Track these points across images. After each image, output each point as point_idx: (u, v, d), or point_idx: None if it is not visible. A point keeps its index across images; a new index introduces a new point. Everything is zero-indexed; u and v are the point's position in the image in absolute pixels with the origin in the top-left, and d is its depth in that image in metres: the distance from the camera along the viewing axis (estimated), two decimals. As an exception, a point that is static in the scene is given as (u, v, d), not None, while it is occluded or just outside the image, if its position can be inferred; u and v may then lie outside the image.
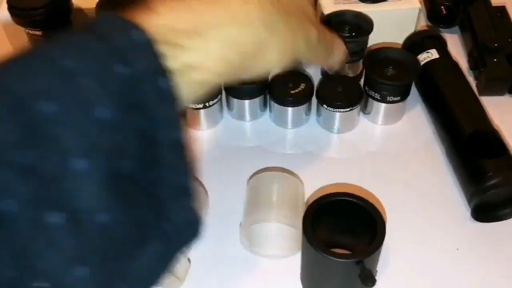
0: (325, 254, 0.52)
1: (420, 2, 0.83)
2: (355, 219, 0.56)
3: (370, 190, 0.68)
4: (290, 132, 0.77)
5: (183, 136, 0.38)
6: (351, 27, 0.77)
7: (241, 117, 0.78)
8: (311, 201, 0.57)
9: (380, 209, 0.55)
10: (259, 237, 0.63)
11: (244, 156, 0.74)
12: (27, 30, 0.77)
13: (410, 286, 0.61)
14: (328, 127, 0.76)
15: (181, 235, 0.40)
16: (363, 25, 0.77)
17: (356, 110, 0.74)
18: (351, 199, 0.55)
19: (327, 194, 0.56)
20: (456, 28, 0.89)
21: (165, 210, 0.38)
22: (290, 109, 0.75)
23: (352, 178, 0.70)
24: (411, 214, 0.67)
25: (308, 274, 0.59)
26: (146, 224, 0.37)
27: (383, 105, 0.75)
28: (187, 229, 0.40)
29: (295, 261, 0.61)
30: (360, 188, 0.69)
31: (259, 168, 0.71)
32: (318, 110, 0.76)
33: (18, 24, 0.76)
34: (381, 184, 0.69)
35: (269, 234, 0.64)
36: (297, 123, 0.77)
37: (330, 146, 0.76)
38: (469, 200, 0.66)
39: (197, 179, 0.68)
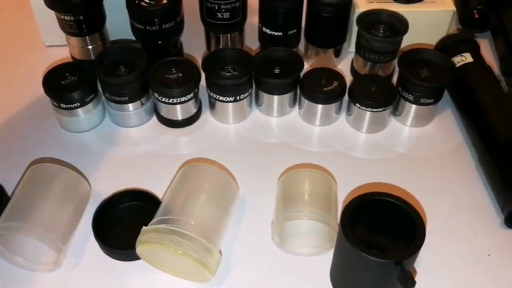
0: (363, 253, 0.51)
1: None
2: (391, 220, 0.55)
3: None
4: (318, 130, 0.76)
5: None
6: (386, 26, 0.76)
7: (269, 112, 0.78)
8: (346, 200, 0.56)
9: (419, 211, 0.54)
10: (290, 235, 0.62)
11: (272, 152, 0.73)
12: (58, 14, 0.75)
13: (440, 290, 0.60)
14: (358, 126, 0.75)
15: None
16: (398, 25, 0.77)
17: (388, 110, 0.73)
18: (391, 200, 0.54)
19: (368, 193, 0.55)
20: (488, 33, 0.88)
21: None
22: (320, 106, 0.74)
23: (380, 179, 0.70)
24: (441, 219, 0.66)
25: (341, 273, 0.58)
26: None
27: (415, 106, 0.74)
28: None
29: (326, 259, 0.60)
30: (400, 188, 0.68)
31: (287, 165, 0.71)
32: (349, 109, 0.75)
33: (50, 8, 0.75)
34: (410, 187, 0.68)
35: (301, 232, 0.63)
36: (326, 121, 0.76)
37: (359, 146, 0.75)
38: (502, 207, 0.65)
39: (228, 172, 0.68)
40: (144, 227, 0.57)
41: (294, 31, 0.79)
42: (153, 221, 0.58)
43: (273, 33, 0.79)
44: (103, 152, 0.73)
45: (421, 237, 0.52)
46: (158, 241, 0.55)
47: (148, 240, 0.55)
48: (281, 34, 0.79)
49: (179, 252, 0.54)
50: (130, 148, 0.74)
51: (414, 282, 0.50)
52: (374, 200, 0.55)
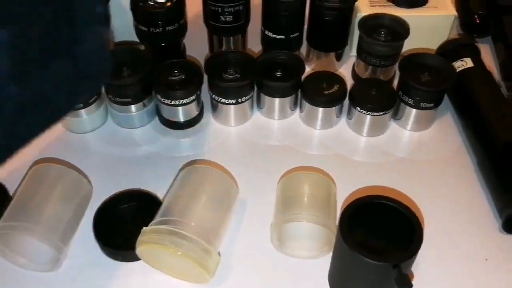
0: (361, 256, 0.51)
1: (455, 10, 0.83)
2: (389, 223, 0.56)
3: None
4: (318, 133, 0.77)
5: None
6: (387, 30, 0.77)
7: (270, 115, 0.78)
8: (345, 203, 0.57)
9: (417, 214, 0.54)
10: (289, 238, 0.63)
11: (273, 155, 0.74)
12: None
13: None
14: (358, 130, 0.76)
15: (90, 60, 0.45)
16: (399, 29, 0.77)
17: (389, 114, 0.74)
18: (389, 203, 0.55)
19: (366, 196, 0.56)
20: (489, 38, 0.88)
21: (79, 34, 0.43)
22: (321, 109, 0.74)
23: (380, 182, 0.70)
24: (439, 222, 0.66)
25: (339, 275, 0.58)
26: (60, 40, 0.42)
27: (415, 111, 0.74)
28: (96, 55, 0.45)
29: (324, 262, 0.61)
30: (398, 191, 0.69)
31: (287, 167, 0.71)
32: (349, 113, 0.76)
33: None
34: (409, 190, 0.69)
35: (300, 234, 0.64)
36: (327, 124, 0.77)
37: (359, 149, 0.75)
38: (500, 212, 0.65)
39: (229, 174, 0.68)
40: (144, 227, 0.58)
41: (296, 34, 0.80)
42: (153, 222, 0.59)
43: (275, 36, 0.79)
44: (105, 153, 0.74)
45: (418, 241, 0.52)
46: (158, 241, 0.55)
47: (148, 240, 0.56)
48: (283, 37, 0.79)
49: (179, 253, 0.55)
50: (132, 149, 0.74)
51: (411, 286, 0.51)
52: (373, 203, 0.56)
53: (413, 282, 0.56)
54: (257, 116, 0.79)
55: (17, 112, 0.41)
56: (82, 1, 0.43)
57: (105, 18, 0.46)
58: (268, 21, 0.79)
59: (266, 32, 0.80)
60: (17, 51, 0.39)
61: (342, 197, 0.68)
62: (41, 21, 0.40)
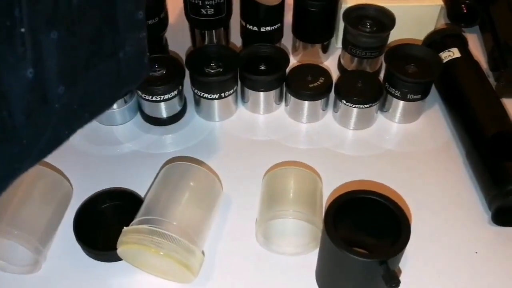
0: (348, 253, 0.50)
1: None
2: (376, 218, 0.54)
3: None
4: (305, 127, 0.75)
5: None
6: (373, 21, 0.75)
7: (255, 109, 0.76)
8: (331, 198, 0.55)
9: (405, 209, 0.53)
10: (275, 234, 0.61)
11: (258, 150, 0.72)
12: None
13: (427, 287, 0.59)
14: (345, 123, 0.74)
15: (130, 64, 0.48)
16: (385, 20, 0.76)
17: (375, 107, 0.72)
18: (375, 197, 0.54)
19: (350, 191, 0.54)
20: (476, 27, 0.87)
21: (122, 39, 0.46)
22: (307, 102, 0.73)
23: (368, 176, 0.69)
24: (428, 216, 0.65)
25: (326, 272, 0.57)
26: (104, 45, 0.45)
27: (402, 102, 0.73)
28: (136, 59, 0.49)
29: (311, 259, 0.60)
30: (385, 186, 0.67)
31: (273, 162, 0.70)
32: (335, 105, 0.74)
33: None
34: (397, 183, 0.68)
35: (286, 231, 0.62)
36: (313, 118, 0.75)
37: (346, 143, 0.74)
38: (490, 204, 0.64)
39: (213, 170, 0.67)
40: (125, 227, 0.56)
41: (276, 26, 0.78)
42: (134, 221, 0.57)
43: (254, 28, 0.77)
44: (86, 151, 0.72)
45: (405, 237, 0.51)
46: (139, 242, 0.54)
47: (129, 241, 0.54)
48: (262, 30, 0.77)
49: (161, 253, 0.53)
50: (114, 147, 0.73)
51: (398, 282, 0.49)
52: (359, 198, 0.54)
53: (401, 277, 0.55)
54: (242, 110, 0.77)
55: (62, 112, 0.42)
56: (125, 8, 0.45)
57: (145, 25, 0.49)
58: (245, 12, 0.78)
59: (244, 24, 0.78)
60: (66, 53, 0.40)
61: (328, 191, 0.66)
62: (87, 26, 0.42)
